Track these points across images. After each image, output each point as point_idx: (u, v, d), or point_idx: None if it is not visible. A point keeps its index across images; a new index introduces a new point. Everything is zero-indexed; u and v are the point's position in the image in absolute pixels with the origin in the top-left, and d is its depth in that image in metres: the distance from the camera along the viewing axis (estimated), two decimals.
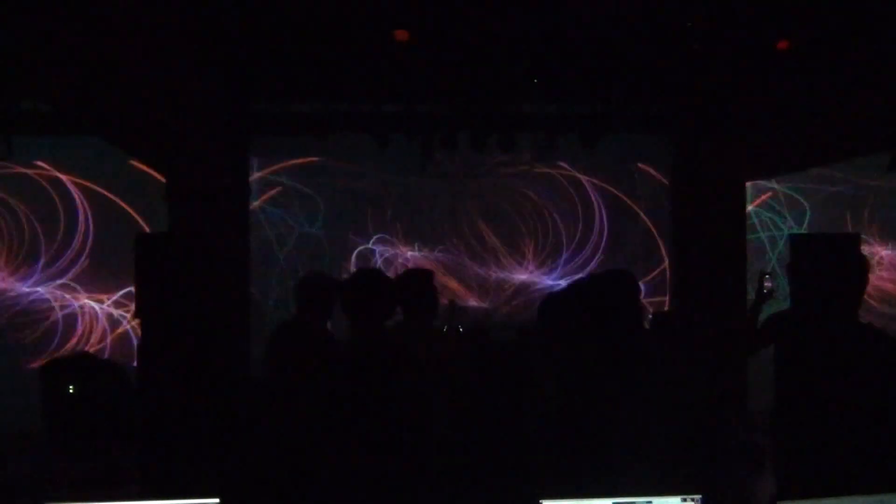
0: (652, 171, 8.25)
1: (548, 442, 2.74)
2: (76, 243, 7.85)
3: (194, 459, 3.68)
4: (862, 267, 3.41)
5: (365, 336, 3.15)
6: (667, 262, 7.94)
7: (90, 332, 7.87)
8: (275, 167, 8.15)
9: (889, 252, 8.63)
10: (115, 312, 7.86)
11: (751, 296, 3.91)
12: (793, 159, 6.11)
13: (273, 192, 8.17)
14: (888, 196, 8.51)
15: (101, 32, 3.66)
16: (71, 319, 7.84)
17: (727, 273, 6.49)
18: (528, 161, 8.17)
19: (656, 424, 2.59)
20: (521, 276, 8.44)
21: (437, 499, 2.75)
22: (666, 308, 7.75)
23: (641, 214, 8.35)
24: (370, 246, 8.30)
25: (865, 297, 3.40)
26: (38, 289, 7.80)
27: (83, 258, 7.85)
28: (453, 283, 8.27)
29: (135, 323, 7.32)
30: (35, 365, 7.19)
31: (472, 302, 8.30)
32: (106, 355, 7.44)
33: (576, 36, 5.01)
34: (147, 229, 7.39)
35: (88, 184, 7.85)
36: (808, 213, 8.53)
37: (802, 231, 8.16)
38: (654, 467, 2.39)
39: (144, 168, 6.89)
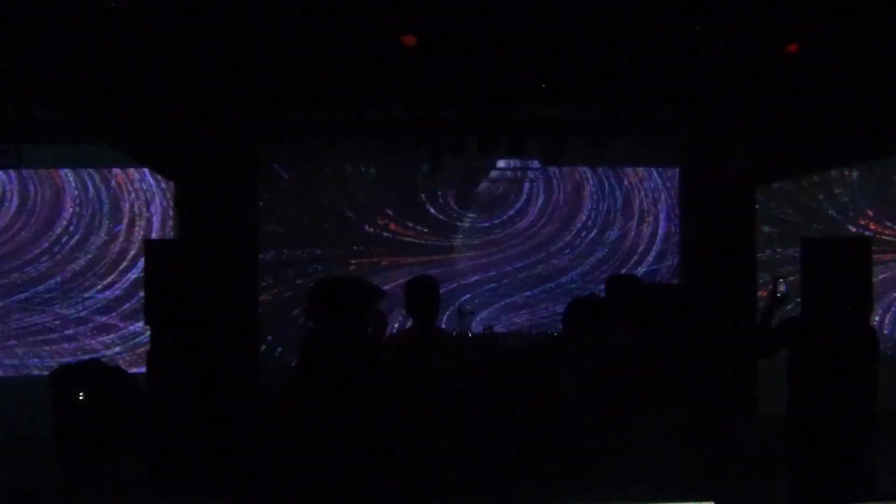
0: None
1: (558, 448, 2.72)
2: None
3: (204, 466, 3.67)
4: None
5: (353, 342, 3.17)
6: (676, 266, 7.90)
7: None
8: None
9: None
10: None
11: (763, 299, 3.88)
12: (803, 163, 6.07)
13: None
14: None
15: (111, 41, 3.68)
16: None
17: (737, 276, 6.43)
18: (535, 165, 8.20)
19: (668, 431, 2.57)
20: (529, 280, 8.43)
21: None
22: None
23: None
24: None
25: None
26: None
27: None
28: (461, 291, 8.27)
29: None
30: None
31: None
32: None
33: (583, 40, 4.98)
34: None
35: None
36: None
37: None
38: (667, 473, 2.37)
39: None
